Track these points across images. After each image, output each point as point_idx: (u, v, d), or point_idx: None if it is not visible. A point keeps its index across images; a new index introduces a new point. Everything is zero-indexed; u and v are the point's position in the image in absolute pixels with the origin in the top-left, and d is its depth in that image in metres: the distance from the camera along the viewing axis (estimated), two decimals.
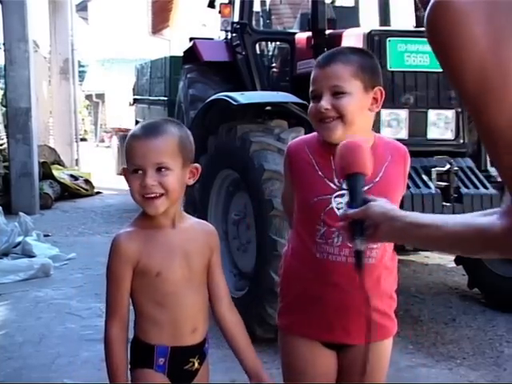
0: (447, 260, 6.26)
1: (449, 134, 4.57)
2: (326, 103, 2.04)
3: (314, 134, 2.19)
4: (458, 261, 5.50)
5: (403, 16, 6.30)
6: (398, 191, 2.15)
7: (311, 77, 2.12)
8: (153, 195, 1.92)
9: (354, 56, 2.09)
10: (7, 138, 10.15)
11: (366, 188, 1.94)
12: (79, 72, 21.21)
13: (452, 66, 1.09)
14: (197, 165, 2.02)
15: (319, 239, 2.08)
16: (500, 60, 1.04)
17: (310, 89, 2.11)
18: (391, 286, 2.20)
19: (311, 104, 2.11)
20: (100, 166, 15.82)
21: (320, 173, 2.08)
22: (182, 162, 1.96)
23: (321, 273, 2.09)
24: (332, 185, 2.06)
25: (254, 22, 6.30)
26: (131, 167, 1.94)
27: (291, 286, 2.21)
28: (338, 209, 2.02)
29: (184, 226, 2.05)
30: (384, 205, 1.63)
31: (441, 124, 4.54)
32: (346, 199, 1.94)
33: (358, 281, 1.73)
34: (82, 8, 25.97)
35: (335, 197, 2.06)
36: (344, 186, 1.99)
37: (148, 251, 1.96)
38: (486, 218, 1.36)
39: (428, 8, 1.10)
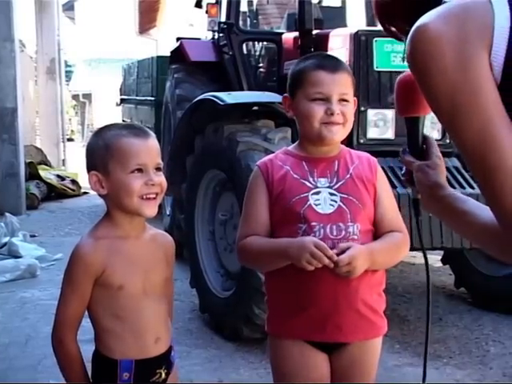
0: (434, 259, 6.27)
1: (435, 134, 4.57)
2: (337, 109, 2.14)
3: (277, 152, 2.33)
4: (444, 260, 5.52)
5: None
6: (366, 194, 2.20)
7: (314, 78, 2.15)
8: (154, 195, 1.89)
9: (348, 67, 2.28)
10: None
11: (337, 185, 2.16)
12: (66, 72, 21.14)
13: (427, 89, 1.26)
14: None
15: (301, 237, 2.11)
16: (468, 81, 1.20)
17: (315, 90, 2.15)
18: (379, 282, 2.21)
19: (315, 105, 2.15)
20: None
21: (295, 175, 2.17)
22: None
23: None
24: (308, 183, 2.16)
25: (240, 22, 6.31)
26: (133, 166, 1.86)
27: (278, 289, 2.21)
28: (316, 205, 2.13)
29: (146, 236, 2.00)
30: (430, 176, 1.65)
31: (427, 124, 4.55)
32: (323, 195, 2.14)
33: None
34: (69, 8, 25.87)
35: (312, 194, 2.14)
36: (319, 185, 2.16)
37: (112, 264, 1.89)
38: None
39: (407, 39, 1.28)
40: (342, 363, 2.19)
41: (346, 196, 2.14)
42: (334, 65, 2.19)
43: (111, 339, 1.92)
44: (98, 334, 1.95)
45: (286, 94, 2.27)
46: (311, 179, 2.17)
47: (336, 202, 2.13)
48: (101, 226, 1.96)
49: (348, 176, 2.18)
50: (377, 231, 2.20)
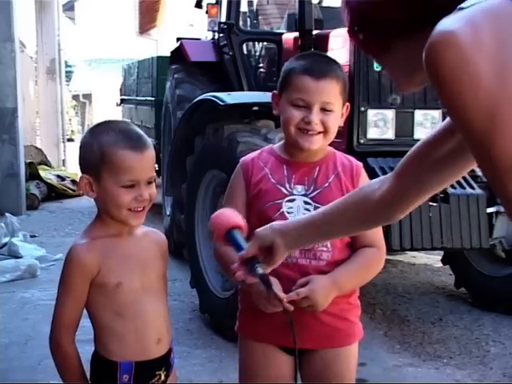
0: (434, 260, 6.28)
1: None
2: (316, 118, 2.08)
3: (262, 149, 2.28)
4: (445, 260, 5.52)
5: None
6: None
7: (298, 83, 2.11)
8: (142, 208, 1.89)
9: (341, 72, 2.17)
10: None
11: (313, 194, 2.12)
12: (66, 72, 21.13)
13: (459, 106, 1.10)
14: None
15: None
16: (509, 92, 1.06)
17: (297, 95, 2.10)
18: (346, 295, 2.14)
19: (294, 111, 2.11)
20: None
21: (272, 180, 2.14)
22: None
23: (271, 274, 2.02)
24: (284, 190, 2.13)
25: (241, 23, 6.31)
26: (124, 182, 1.84)
27: (247, 291, 2.16)
28: (289, 213, 2.10)
29: (138, 233, 2.00)
30: (267, 227, 1.82)
31: (427, 124, 4.55)
32: (297, 204, 2.12)
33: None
34: (69, 8, 25.86)
35: (286, 201, 2.12)
36: (295, 192, 2.13)
37: (107, 262, 1.89)
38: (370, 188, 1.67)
39: (426, 46, 1.11)
40: (313, 368, 2.15)
41: (320, 206, 2.02)
42: (321, 70, 2.10)
43: (111, 339, 1.90)
44: (97, 334, 1.94)
45: (275, 91, 2.21)
46: (287, 185, 2.12)
47: (310, 211, 2.06)
48: (94, 226, 1.96)
49: (326, 185, 2.12)
50: (353, 243, 2.14)
